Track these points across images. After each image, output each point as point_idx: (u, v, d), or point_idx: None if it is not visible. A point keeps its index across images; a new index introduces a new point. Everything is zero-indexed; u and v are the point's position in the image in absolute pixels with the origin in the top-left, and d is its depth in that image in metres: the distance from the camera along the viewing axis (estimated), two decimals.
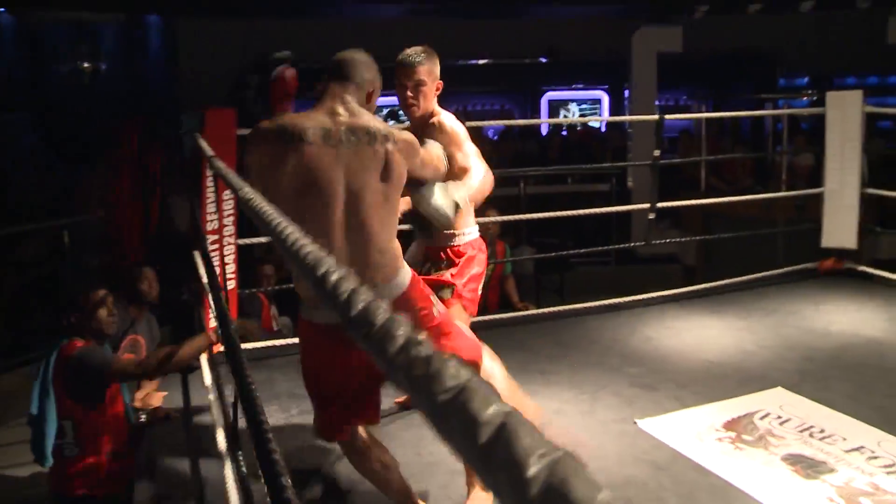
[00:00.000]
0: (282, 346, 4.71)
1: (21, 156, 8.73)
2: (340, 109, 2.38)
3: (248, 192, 1.39)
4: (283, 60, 2.65)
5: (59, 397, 3.28)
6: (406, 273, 2.45)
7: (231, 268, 4.68)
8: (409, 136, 2.47)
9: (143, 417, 3.78)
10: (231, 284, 4.58)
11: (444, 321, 2.52)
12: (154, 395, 4.39)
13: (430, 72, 2.93)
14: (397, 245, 2.44)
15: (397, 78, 2.93)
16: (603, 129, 11.60)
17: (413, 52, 2.94)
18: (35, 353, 5.08)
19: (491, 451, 0.40)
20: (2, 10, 9.89)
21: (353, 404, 2.48)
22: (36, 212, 6.25)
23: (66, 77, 9.36)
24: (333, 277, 0.72)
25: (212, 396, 3.84)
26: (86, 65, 8.98)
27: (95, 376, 3.24)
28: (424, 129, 2.92)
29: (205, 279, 4.21)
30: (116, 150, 4.91)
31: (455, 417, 0.44)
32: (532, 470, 0.38)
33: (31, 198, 6.57)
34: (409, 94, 2.92)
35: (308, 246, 0.85)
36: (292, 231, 0.94)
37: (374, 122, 2.39)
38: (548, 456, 0.39)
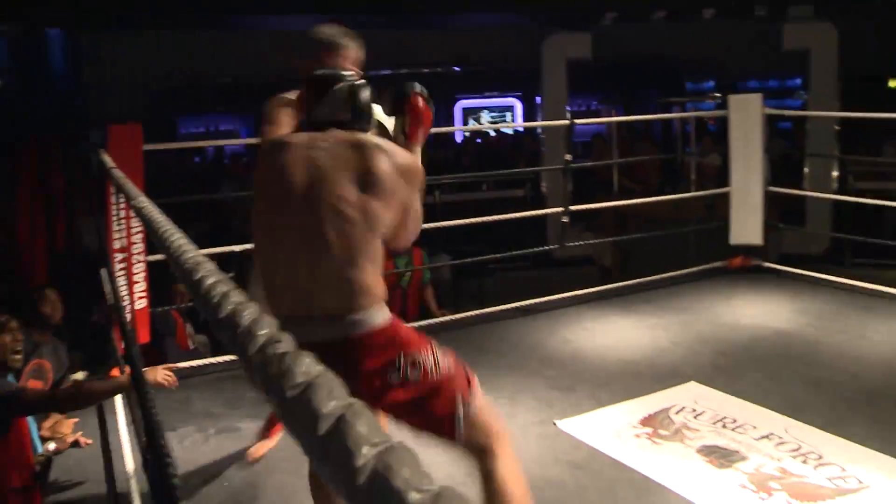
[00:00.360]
0: (199, 366, 4.60)
1: None
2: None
3: (143, 200, 1.35)
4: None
5: None
6: (379, 313, 2.02)
7: (141, 286, 4.55)
8: (413, 160, 2.16)
9: (51, 447, 3.62)
10: (142, 304, 4.46)
11: (458, 374, 2.09)
12: (63, 423, 4.22)
13: (356, 59, 2.31)
14: (373, 279, 2.01)
15: (312, 59, 2.24)
16: (515, 133, 11.75)
17: (335, 31, 2.29)
18: None
19: (328, 442, 0.39)
20: None
21: None
22: None
23: None
24: (208, 281, 0.70)
25: (123, 424, 3.73)
26: None
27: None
28: None
29: (111, 300, 4.09)
30: (14, 171, 4.72)
31: (300, 411, 0.42)
32: (361, 459, 0.37)
33: None
34: None
35: (190, 251, 0.83)
36: (178, 237, 0.92)
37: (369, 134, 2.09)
38: (379, 446, 0.38)
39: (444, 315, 5.53)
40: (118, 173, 2.19)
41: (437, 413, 2.01)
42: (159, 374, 4.01)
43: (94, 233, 6.35)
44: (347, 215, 1.96)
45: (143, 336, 4.36)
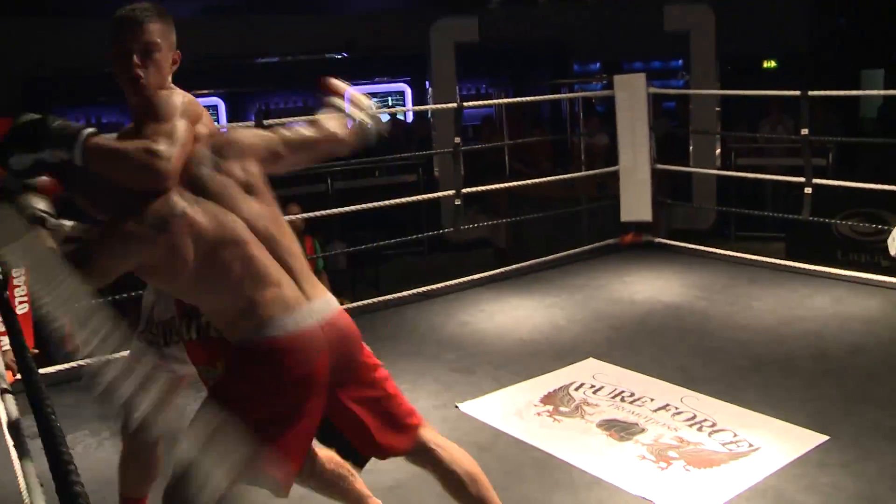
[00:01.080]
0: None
1: None
2: None
3: None
4: None
5: None
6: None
7: (22, 290, 4.27)
8: None
9: None
10: (23, 308, 4.19)
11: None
12: None
13: (165, 34, 2.07)
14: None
15: (116, 42, 2.02)
16: (409, 119, 11.67)
17: (139, 7, 2.06)
18: None
19: None
20: None
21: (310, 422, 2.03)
22: None
23: None
24: None
25: (6, 431, 3.48)
26: None
27: None
28: (148, 111, 1.98)
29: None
30: None
31: None
32: None
33: None
34: (135, 60, 1.99)
35: None
36: None
37: None
38: None
39: (340, 304, 5.41)
40: None
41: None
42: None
43: None
44: None
45: (30, 342, 4.09)
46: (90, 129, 1.81)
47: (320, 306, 2.04)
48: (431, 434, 2.20)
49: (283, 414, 1.95)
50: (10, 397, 2.44)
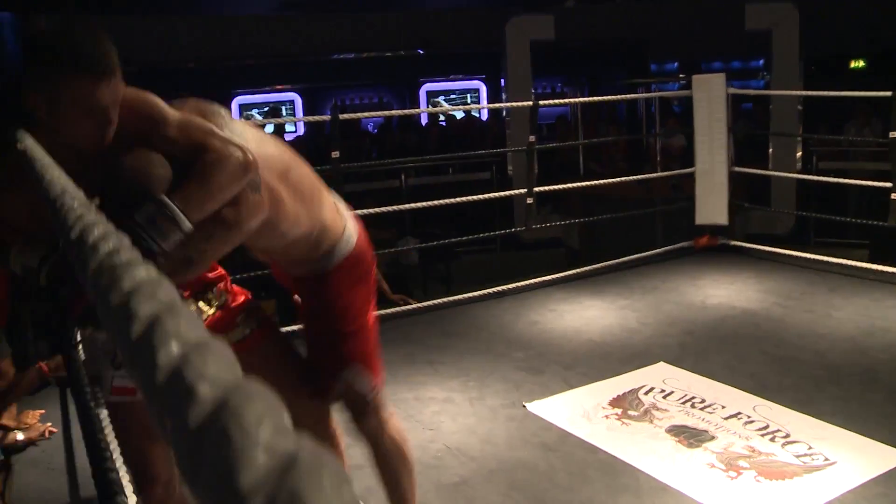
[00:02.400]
0: None
1: None
2: None
3: (55, 177, 1.25)
4: None
5: None
6: None
7: None
8: None
9: (20, 437, 3.50)
10: None
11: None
12: (28, 413, 4.12)
13: None
14: None
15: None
16: (485, 118, 11.67)
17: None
18: None
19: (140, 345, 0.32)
20: None
21: None
22: None
23: None
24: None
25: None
26: None
27: None
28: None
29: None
30: None
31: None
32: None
33: None
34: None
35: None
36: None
37: None
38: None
39: (403, 301, 5.40)
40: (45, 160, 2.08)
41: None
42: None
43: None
44: None
45: None
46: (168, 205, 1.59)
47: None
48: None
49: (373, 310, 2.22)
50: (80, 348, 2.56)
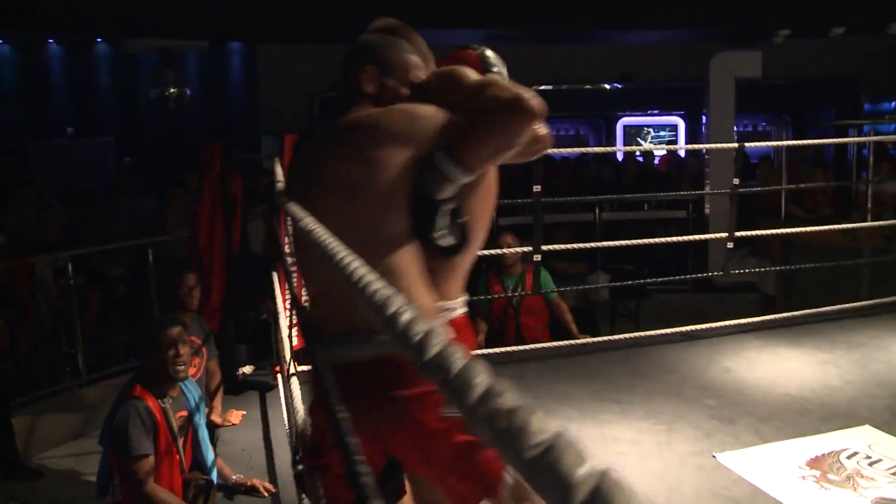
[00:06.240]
0: None
1: (109, 178, 9.07)
2: None
3: (309, 222, 1.37)
4: None
5: (107, 445, 3.21)
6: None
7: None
8: None
9: (232, 479, 3.66)
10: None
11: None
12: (233, 413, 4.48)
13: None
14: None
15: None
16: (682, 155, 11.42)
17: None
18: (117, 367, 5.26)
19: None
20: (98, 39, 10.37)
21: None
22: (124, 232, 6.47)
23: (153, 103, 9.73)
24: (404, 318, 0.68)
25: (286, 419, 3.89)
26: (172, 90, 9.28)
27: (130, 435, 3.05)
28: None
29: (283, 298, 4.29)
30: (200, 174, 5.05)
31: (547, 475, 0.42)
32: None
33: (119, 218, 6.79)
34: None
35: (376, 282, 0.82)
36: (357, 265, 0.92)
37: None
38: None
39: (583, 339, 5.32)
40: (283, 196, 2.25)
41: None
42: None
43: (260, 236, 6.71)
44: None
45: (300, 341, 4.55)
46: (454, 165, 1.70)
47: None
48: None
49: None
50: (295, 380, 2.74)
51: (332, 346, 1.70)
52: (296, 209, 1.60)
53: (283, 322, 4.15)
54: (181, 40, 8.95)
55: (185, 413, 3.34)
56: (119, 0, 7.16)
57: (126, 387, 3.24)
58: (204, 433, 3.48)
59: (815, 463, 3.39)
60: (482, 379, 0.54)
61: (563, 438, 0.46)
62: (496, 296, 5.29)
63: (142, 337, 3.37)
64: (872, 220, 6.85)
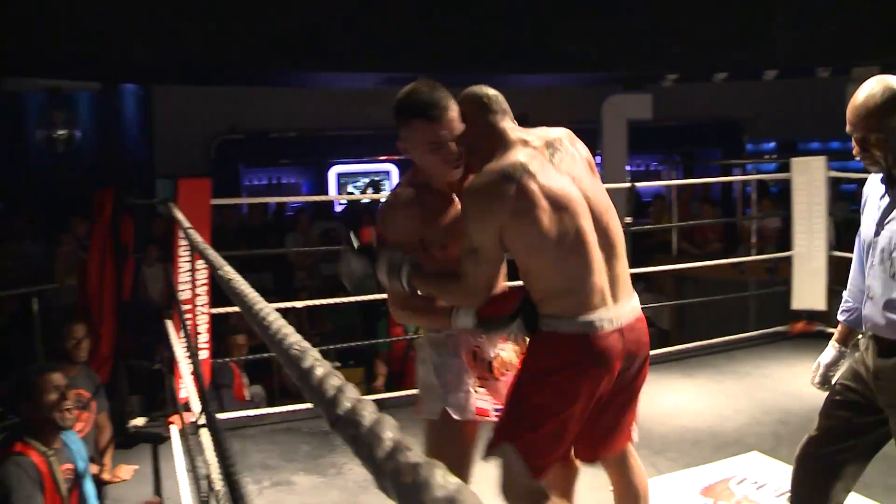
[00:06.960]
0: (254, 416, 4.66)
1: None
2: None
3: (228, 270, 1.37)
4: None
5: None
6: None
7: (204, 337, 4.64)
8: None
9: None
10: (203, 354, 4.54)
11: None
12: (123, 468, 4.29)
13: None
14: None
15: (431, 126, 2.08)
16: None
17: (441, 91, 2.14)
18: None
19: None
20: None
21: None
22: (9, 279, 6.19)
23: (41, 145, 9.37)
24: (319, 372, 0.70)
25: (184, 470, 3.77)
26: (60, 132, 8.95)
27: (18, 496, 2.85)
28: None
29: (179, 347, 4.18)
30: (90, 220, 4.89)
31: None
32: None
33: (2, 266, 6.50)
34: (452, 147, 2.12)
35: (292, 336, 0.83)
36: (276, 318, 0.92)
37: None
38: None
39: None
40: (196, 236, 2.24)
41: None
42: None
43: (157, 283, 6.52)
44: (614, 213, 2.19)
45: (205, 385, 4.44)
46: (407, 269, 2.14)
47: (624, 310, 2.08)
48: (630, 444, 2.27)
49: (561, 405, 2.03)
50: (204, 431, 2.66)
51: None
52: (212, 253, 1.62)
53: (185, 369, 4.05)
54: (71, 80, 8.68)
55: (70, 465, 3.16)
56: (1, 36, 6.88)
57: (3, 445, 3.04)
58: (91, 489, 3.31)
59: (708, 491, 3.48)
60: (390, 435, 0.56)
61: (465, 493, 0.47)
62: (396, 339, 5.28)
63: (18, 387, 3.12)
64: (757, 254, 7.18)
